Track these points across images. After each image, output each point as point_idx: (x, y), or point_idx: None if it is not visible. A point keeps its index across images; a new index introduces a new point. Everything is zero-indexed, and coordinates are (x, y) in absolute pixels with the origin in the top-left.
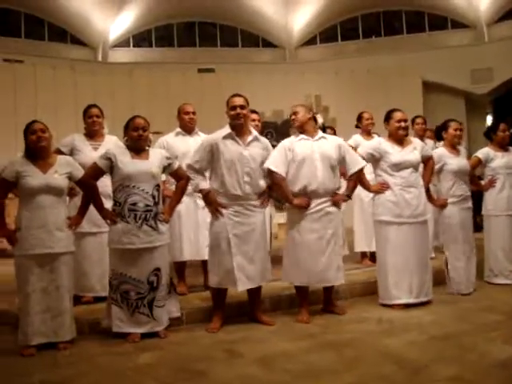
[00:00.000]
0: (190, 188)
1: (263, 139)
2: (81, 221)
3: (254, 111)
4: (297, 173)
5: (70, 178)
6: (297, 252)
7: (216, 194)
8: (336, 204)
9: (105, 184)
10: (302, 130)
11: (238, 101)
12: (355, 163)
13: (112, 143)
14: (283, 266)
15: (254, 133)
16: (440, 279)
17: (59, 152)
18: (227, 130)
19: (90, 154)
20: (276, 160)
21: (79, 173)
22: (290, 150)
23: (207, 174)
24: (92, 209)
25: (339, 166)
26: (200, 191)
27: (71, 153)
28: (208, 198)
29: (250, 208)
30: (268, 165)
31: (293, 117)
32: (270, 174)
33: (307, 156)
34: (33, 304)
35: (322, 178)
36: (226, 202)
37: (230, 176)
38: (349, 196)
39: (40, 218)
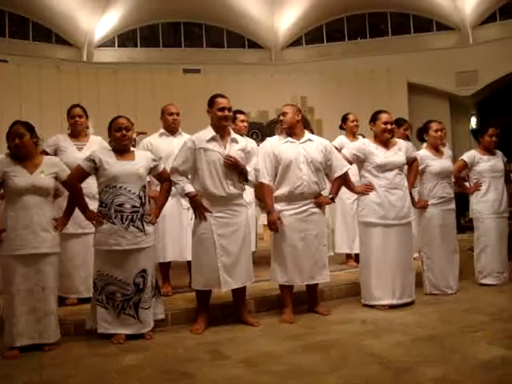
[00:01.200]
0: (174, 189)
1: (240, 139)
2: (67, 222)
3: (241, 112)
4: (282, 176)
5: (56, 178)
6: (282, 251)
7: (200, 195)
8: (320, 206)
9: (89, 185)
10: (289, 131)
11: (226, 102)
12: (340, 166)
13: (97, 143)
14: (271, 265)
15: (233, 134)
16: (421, 280)
17: (44, 153)
18: (211, 132)
19: (75, 154)
20: (265, 170)
21: (65, 173)
22: (275, 155)
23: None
24: (77, 210)
25: (324, 168)
26: (186, 195)
27: (55, 153)
28: (195, 202)
29: (233, 208)
30: (261, 179)
31: (281, 117)
32: (261, 185)
33: (293, 160)
34: (18, 305)
35: (308, 182)
36: (211, 205)
37: (213, 178)
38: (332, 199)
39: (25, 218)
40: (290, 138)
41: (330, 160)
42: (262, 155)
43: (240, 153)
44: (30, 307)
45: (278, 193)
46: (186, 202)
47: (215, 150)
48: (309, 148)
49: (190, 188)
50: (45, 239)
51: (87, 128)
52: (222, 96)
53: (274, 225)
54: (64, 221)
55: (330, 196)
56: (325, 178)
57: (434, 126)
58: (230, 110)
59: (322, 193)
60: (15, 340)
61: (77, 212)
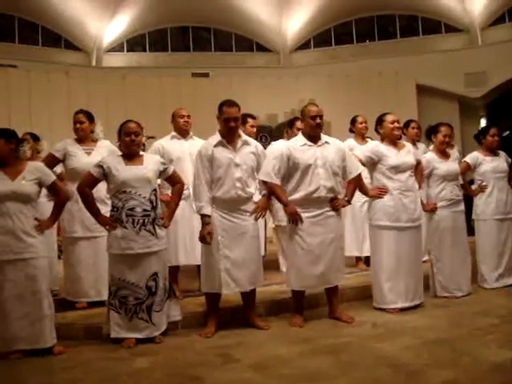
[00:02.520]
0: (185, 192)
1: (252, 141)
2: (51, 225)
3: (251, 116)
4: (300, 181)
5: (40, 184)
6: (298, 256)
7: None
8: (336, 209)
9: (98, 189)
10: (315, 136)
11: (234, 112)
12: (355, 168)
13: (105, 147)
14: (287, 272)
15: (244, 137)
16: (430, 282)
17: (52, 157)
18: (217, 137)
19: (83, 159)
20: (269, 169)
21: (49, 178)
22: (290, 158)
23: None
24: (85, 214)
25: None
26: (201, 216)
27: (64, 158)
28: (205, 228)
29: (241, 212)
30: (260, 176)
31: (318, 120)
32: (264, 183)
33: (310, 164)
34: (9, 310)
35: (325, 186)
36: (219, 207)
37: (223, 182)
38: (349, 201)
39: (7, 224)
40: (307, 142)
41: (345, 161)
42: (274, 156)
43: (252, 156)
44: (23, 312)
45: (293, 197)
46: None
47: (223, 155)
48: (326, 151)
49: (207, 211)
50: (30, 244)
51: (92, 133)
52: (231, 104)
53: (294, 215)
54: (48, 224)
55: (346, 198)
56: (340, 182)
57: (443, 130)
58: (236, 119)
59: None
60: (10, 344)
61: (86, 216)
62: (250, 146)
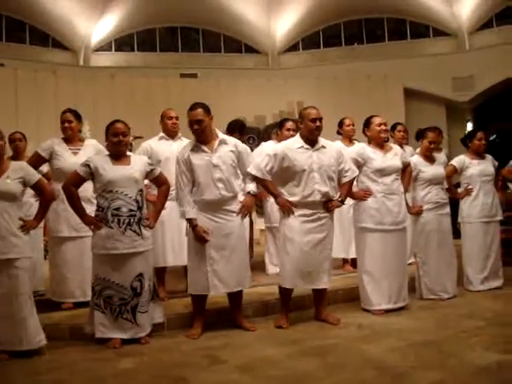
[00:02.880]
0: (173, 193)
1: (231, 140)
2: (36, 225)
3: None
4: (295, 184)
5: (24, 183)
6: (288, 253)
7: (194, 201)
8: (330, 210)
9: (84, 188)
10: (313, 139)
11: (195, 115)
12: (351, 171)
13: (92, 147)
14: (280, 270)
15: (220, 135)
16: (415, 284)
17: (38, 156)
18: (193, 141)
19: (70, 158)
20: (261, 165)
21: (33, 177)
22: (285, 159)
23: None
24: (71, 213)
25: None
26: (188, 220)
27: (51, 157)
28: (196, 231)
29: (226, 213)
30: (252, 171)
31: (318, 123)
32: (254, 178)
33: (306, 168)
34: None
35: (320, 191)
36: (203, 209)
37: (204, 185)
38: (342, 201)
39: None
40: (304, 144)
41: (341, 164)
42: (268, 153)
43: (230, 154)
44: (6, 313)
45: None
46: None
47: (200, 158)
48: (323, 156)
49: (192, 215)
50: (15, 244)
51: (79, 132)
52: (194, 107)
53: (285, 206)
54: (34, 223)
55: (340, 199)
56: (335, 186)
57: (430, 137)
58: (198, 122)
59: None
60: None
61: (72, 215)
62: (228, 145)
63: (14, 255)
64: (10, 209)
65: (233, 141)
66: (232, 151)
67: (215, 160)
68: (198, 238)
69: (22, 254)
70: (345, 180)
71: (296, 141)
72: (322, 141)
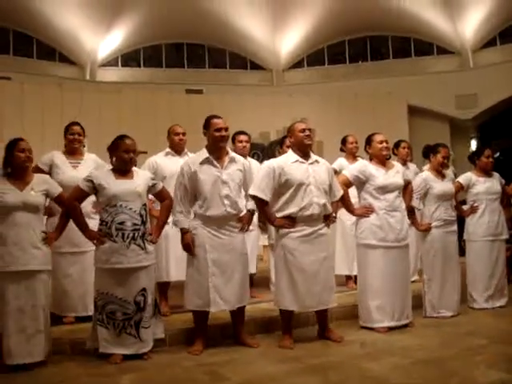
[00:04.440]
0: None
1: (238, 158)
2: (58, 237)
3: (242, 132)
4: (290, 197)
5: (47, 195)
6: (292, 276)
7: (195, 215)
8: (328, 226)
9: (84, 203)
10: (306, 150)
11: (223, 122)
12: (338, 191)
13: (91, 161)
14: (276, 291)
15: (231, 154)
16: (421, 302)
17: (38, 169)
18: (204, 154)
19: (70, 172)
20: (261, 184)
21: (56, 190)
22: (282, 175)
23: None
24: (71, 229)
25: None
26: (181, 229)
27: (50, 170)
28: (184, 239)
29: (230, 229)
30: (251, 191)
31: (308, 132)
32: (253, 198)
33: (303, 181)
34: (9, 323)
35: (318, 204)
36: (207, 225)
37: (211, 200)
38: (335, 217)
39: (15, 235)
40: (299, 158)
41: (332, 183)
42: (265, 172)
43: (239, 173)
44: (21, 326)
45: (284, 213)
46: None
47: (209, 173)
48: (317, 169)
49: (185, 224)
50: (35, 256)
51: (83, 147)
52: (218, 117)
53: (284, 225)
54: (55, 236)
55: (334, 215)
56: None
57: (443, 152)
58: (226, 129)
59: None
60: (5, 359)
61: (72, 231)
62: (237, 164)
63: (34, 267)
64: (33, 221)
65: (241, 160)
66: (240, 170)
67: (225, 176)
68: (184, 245)
69: (41, 266)
70: (334, 199)
71: (290, 156)
72: (313, 156)
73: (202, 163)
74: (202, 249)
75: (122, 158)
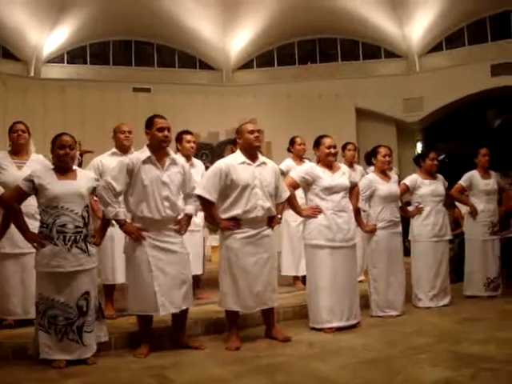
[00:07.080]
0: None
1: (179, 160)
2: (0, 239)
3: (188, 132)
4: (235, 199)
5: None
6: (234, 276)
7: (133, 218)
8: (272, 228)
9: (28, 203)
10: (253, 151)
11: (166, 123)
12: (284, 192)
13: (38, 161)
14: (220, 292)
15: (172, 155)
16: (368, 302)
17: None
18: (146, 152)
19: (15, 172)
20: (207, 185)
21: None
22: (228, 176)
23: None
24: (13, 229)
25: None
26: (117, 221)
27: None
28: (128, 229)
29: (170, 232)
30: (197, 191)
31: (257, 134)
32: (199, 198)
33: (248, 183)
34: None
35: (262, 206)
36: (145, 229)
37: (149, 201)
38: (280, 218)
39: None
40: (246, 160)
41: (278, 185)
42: (212, 172)
43: (179, 176)
44: None
45: (228, 215)
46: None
47: (150, 173)
48: (264, 172)
49: (122, 216)
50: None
51: (31, 147)
52: (161, 116)
53: (229, 227)
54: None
55: (279, 216)
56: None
57: (383, 151)
58: (169, 130)
59: None
60: None
61: (14, 231)
62: (177, 166)
63: None
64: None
65: (181, 162)
66: (179, 172)
67: (165, 178)
68: (134, 235)
69: None
70: (280, 201)
71: (237, 156)
72: (261, 157)
73: (144, 162)
74: (142, 252)
75: (58, 154)
